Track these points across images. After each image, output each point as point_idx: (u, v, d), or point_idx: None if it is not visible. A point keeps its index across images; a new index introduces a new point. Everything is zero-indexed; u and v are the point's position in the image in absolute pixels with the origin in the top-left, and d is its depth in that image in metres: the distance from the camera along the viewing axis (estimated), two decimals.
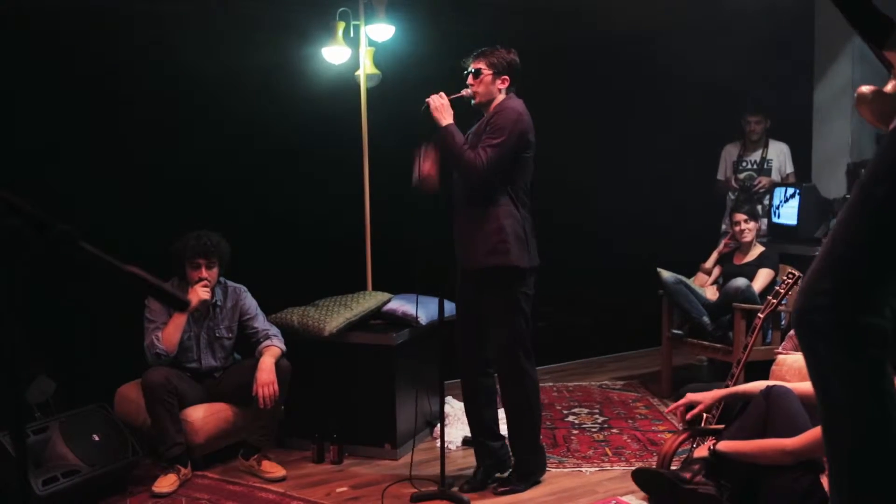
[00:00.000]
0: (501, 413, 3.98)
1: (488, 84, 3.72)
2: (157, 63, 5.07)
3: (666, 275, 5.30)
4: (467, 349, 3.92)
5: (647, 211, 6.43)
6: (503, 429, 3.98)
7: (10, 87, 4.66)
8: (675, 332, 5.34)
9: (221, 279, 4.31)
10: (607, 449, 4.43)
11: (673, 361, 5.50)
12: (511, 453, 3.96)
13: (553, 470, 4.12)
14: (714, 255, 5.53)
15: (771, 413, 2.85)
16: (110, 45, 4.92)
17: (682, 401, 3.21)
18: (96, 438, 3.87)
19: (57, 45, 4.75)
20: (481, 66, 3.72)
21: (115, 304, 4.19)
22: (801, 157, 6.14)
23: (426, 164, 3.78)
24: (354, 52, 4.89)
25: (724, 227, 5.98)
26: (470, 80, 3.74)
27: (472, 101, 3.75)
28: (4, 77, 4.65)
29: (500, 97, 3.75)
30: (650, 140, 6.43)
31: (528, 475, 3.90)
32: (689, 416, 3.17)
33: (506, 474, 3.94)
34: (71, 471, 3.65)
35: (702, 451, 3.02)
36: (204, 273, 4.13)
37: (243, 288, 4.38)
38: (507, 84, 3.76)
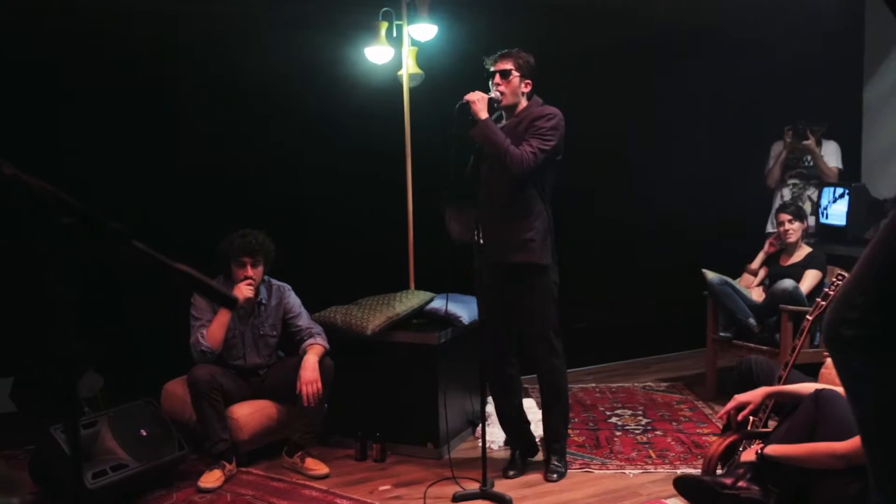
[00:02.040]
0: (526, 402, 4.23)
1: (516, 86, 3.81)
2: (202, 63, 5.14)
3: (711, 276, 5.24)
4: (494, 342, 4.03)
5: (692, 210, 6.35)
6: (528, 414, 4.24)
7: (58, 86, 4.76)
8: (722, 334, 5.27)
9: (266, 277, 4.35)
10: (651, 451, 4.39)
11: (718, 363, 5.43)
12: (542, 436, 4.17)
13: (596, 471, 4.11)
14: (760, 256, 5.45)
15: (820, 416, 2.80)
16: (155, 46, 4.99)
17: (730, 403, 3.18)
18: (144, 433, 3.93)
19: (105, 45, 4.83)
20: (509, 66, 3.78)
21: (162, 301, 4.26)
22: (851, 157, 6.03)
23: (454, 227, 3.96)
24: (397, 51, 4.90)
25: (769, 227, 5.89)
26: (498, 79, 3.79)
27: (497, 104, 3.79)
28: (54, 77, 4.76)
29: (525, 100, 3.85)
30: (697, 139, 6.36)
31: (563, 453, 4.09)
32: (739, 417, 3.14)
33: (539, 458, 4.17)
34: (119, 465, 3.71)
35: (748, 455, 2.98)
36: (249, 272, 4.17)
37: (287, 286, 4.42)
38: (529, 88, 3.85)
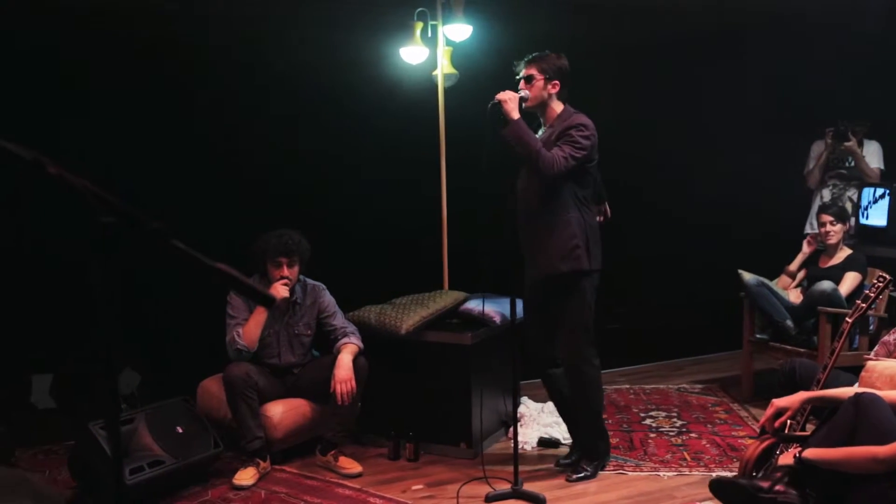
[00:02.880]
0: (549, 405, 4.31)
1: (539, 89, 3.82)
2: (235, 63, 5.18)
3: (747, 276, 5.17)
4: (536, 347, 4.08)
5: (729, 210, 6.28)
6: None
7: (89, 85, 4.82)
8: (758, 335, 5.21)
9: (301, 277, 4.37)
10: (686, 453, 4.35)
11: (754, 366, 5.37)
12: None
13: (630, 473, 4.08)
14: (798, 258, 5.38)
15: (860, 420, 2.75)
16: (188, 45, 5.04)
17: (769, 410, 3.13)
18: (180, 431, 3.97)
19: (144, 46, 4.89)
20: (533, 71, 3.82)
21: (198, 300, 4.30)
22: (893, 156, 5.93)
23: None
24: (432, 51, 4.90)
25: (808, 228, 5.81)
26: (522, 84, 3.83)
27: (523, 105, 3.80)
28: (84, 77, 4.82)
29: (553, 103, 3.86)
30: (733, 138, 6.29)
31: (596, 458, 4.07)
32: (776, 423, 3.09)
33: (570, 459, 4.16)
34: (156, 461, 3.75)
35: (786, 459, 2.94)
36: (285, 271, 4.20)
37: (322, 286, 4.44)
38: (557, 90, 3.85)
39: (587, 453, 4.08)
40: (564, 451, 4.35)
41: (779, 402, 3.12)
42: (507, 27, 5.38)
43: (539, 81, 3.80)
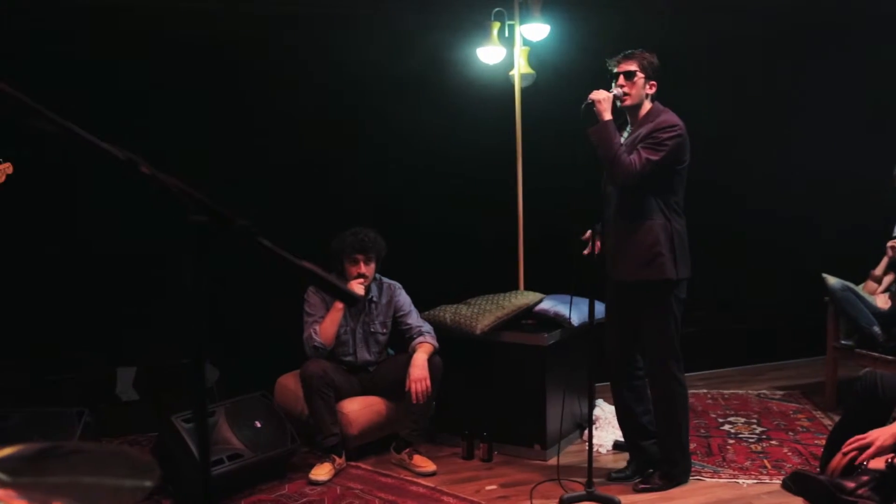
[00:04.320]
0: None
1: (640, 87, 3.68)
2: (321, 63, 5.25)
3: (832, 281, 5.03)
4: (617, 354, 3.97)
5: (813, 211, 6.10)
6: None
7: (173, 88, 4.93)
8: (843, 341, 5.05)
9: (377, 276, 4.41)
10: (766, 461, 4.24)
11: (839, 373, 5.21)
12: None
13: (708, 479, 4.00)
14: (884, 262, 5.19)
15: None
16: (261, 46, 5.11)
17: (851, 445, 2.75)
18: (258, 425, 4.04)
19: (208, 47, 4.97)
20: (634, 67, 3.65)
21: (275, 297, 4.38)
22: None
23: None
24: (509, 51, 4.89)
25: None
26: (622, 81, 3.67)
27: (619, 104, 3.68)
28: (172, 80, 4.94)
29: (649, 103, 3.72)
30: (817, 135, 6.10)
31: (672, 477, 3.91)
32: (859, 460, 2.71)
33: (651, 471, 3.98)
34: (235, 454, 3.83)
35: (877, 464, 2.81)
36: (362, 268, 4.24)
37: (398, 285, 4.47)
38: (654, 89, 3.71)
39: (663, 469, 3.91)
40: None
41: (871, 437, 2.74)
42: (586, 27, 5.33)
43: (640, 79, 3.65)
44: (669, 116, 3.66)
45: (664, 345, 3.78)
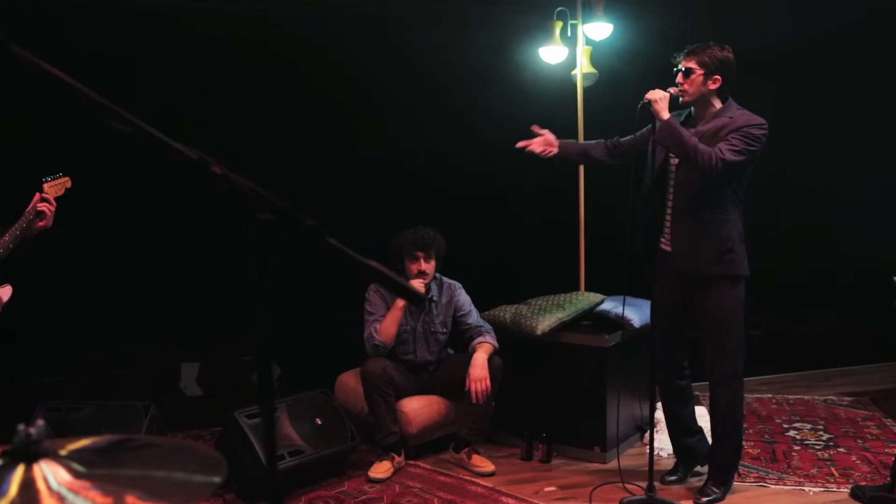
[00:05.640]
0: (699, 409, 4.12)
1: (698, 84, 3.58)
2: (385, 63, 5.28)
3: None
4: (667, 351, 3.87)
5: (884, 212, 5.92)
6: (699, 422, 4.07)
7: (238, 91, 5.01)
8: None
9: (437, 275, 4.42)
10: (833, 469, 4.14)
11: None
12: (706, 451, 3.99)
13: (772, 486, 3.93)
14: None
15: None
16: (320, 48, 5.15)
17: None
18: (319, 422, 4.08)
19: (268, 49, 5.03)
20: (692, 64, 3.57)
21: (336, 295, 4.42)
22: None
23: None
24: (571, 51, 4.86)
25: None
26: (679, 78, 3.60)
27: (680, 100, 3.61)
28: (233, 84, 5.01)
29: (713, 98, 3.62)
30: (890, 132, 5.92)
31: (724, 481, 3.84)
32: None
33: (702, 469, 3.98)
34: (296, 451, 3.88)
35: None
36: (423, 265, 4.26)
37: (458, 284, 4.48)
38: (718, 85, 3.58)
39: (717, 474, 3.83)
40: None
41: None
42: (649, 26, 5.26)
43: (698, 76, 3.56)
44: (756, 116, 3.54)
45: (731, 337, 3.67)
